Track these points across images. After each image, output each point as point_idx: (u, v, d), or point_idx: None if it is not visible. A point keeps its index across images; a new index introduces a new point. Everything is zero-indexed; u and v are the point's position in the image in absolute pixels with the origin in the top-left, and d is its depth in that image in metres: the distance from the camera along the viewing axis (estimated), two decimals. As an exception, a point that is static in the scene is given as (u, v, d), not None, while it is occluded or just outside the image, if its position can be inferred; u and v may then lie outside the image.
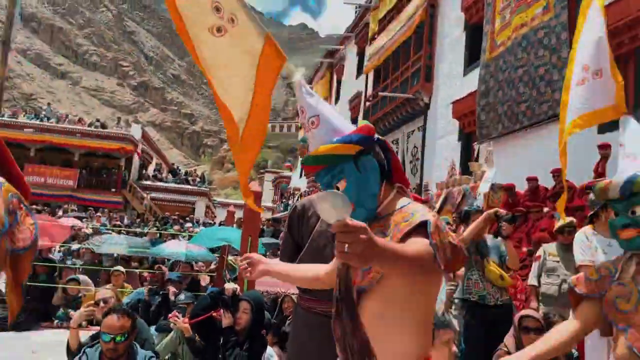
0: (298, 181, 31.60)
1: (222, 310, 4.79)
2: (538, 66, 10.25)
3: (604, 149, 7.94)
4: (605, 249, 3.82)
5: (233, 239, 8.07)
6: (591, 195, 4.27)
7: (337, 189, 1.57)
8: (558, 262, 4.84)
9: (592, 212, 4.11)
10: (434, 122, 15.58)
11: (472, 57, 13.96)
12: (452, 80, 14.82)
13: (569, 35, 9.26)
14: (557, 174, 8.41)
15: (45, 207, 22.25)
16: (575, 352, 4.10)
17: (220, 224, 19.35)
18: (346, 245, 0.99)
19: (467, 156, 13.49)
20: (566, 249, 4.71)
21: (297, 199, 21.31)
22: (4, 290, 5.50)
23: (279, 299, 5.93)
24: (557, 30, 9.76)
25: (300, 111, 1.85)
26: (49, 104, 45.07)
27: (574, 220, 5.05)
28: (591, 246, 3.93)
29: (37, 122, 33.13)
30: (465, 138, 14.02)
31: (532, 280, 5.07)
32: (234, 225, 12.42)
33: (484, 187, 9.06)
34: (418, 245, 1.30)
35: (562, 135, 4.10)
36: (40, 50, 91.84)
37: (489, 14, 12.38)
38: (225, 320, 4.63)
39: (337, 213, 1.01)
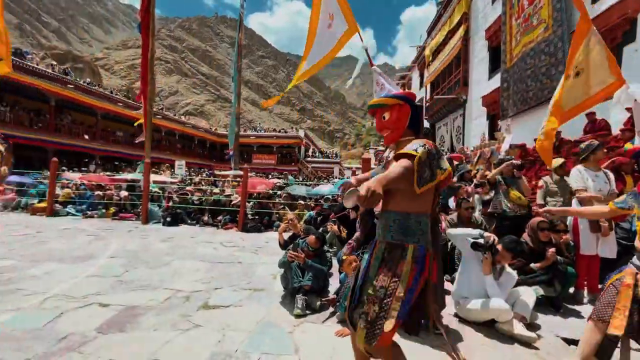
0: (388, 152, 31.43)
1: (349, 210, 4.97)
2: (541, 67, 8.93)
3: (590, 116, 6.72)
4: (593, 178, 3.34)
5: (356, 184, 8.09)
6: (582, 145, 3.59)
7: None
8: (557, 188, 4.15)
9: (583, 156, 3.48)
10: (470, 110, 14.19)
11: (493, 67, 12.36)
12: (480, 84, 13.23)
13: (563, 45, 8.09)
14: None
15: (262, 174, 24.14)
16: (571, 242, 3.54)
17: (347, 178, 19.52)
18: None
19: (492, 129, 12.07)
20: (561, 179, 4.01)
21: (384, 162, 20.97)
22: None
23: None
24: (555, 42, 8.47)
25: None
26: (259, 124, 48.49)
27: (565, 160, 4.25)
28: (583, 177, 3.37)
29: (256, 133, 35.86)
30: (491, 118, 12.56)
31: (539, 200, 4.40)
32: (355, 178, 12.41)
33: (504, 147, 8.10)
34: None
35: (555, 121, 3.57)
36: (253, 97, 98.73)
37: (505, 37, 10.84)
38: (352, 214, 4.79)
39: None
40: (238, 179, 10.75)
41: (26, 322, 2.43)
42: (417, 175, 1.33)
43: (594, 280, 3.39)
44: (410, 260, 1.38)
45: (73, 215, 8.48)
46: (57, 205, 8.65)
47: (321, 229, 6.02)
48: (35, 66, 19.70)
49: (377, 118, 1.60)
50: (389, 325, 1.32)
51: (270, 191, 9.07)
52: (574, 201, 3.52)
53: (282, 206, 8.55)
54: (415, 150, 1.36)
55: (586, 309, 3.12)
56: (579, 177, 3.41)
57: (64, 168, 13.22)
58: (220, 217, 7.81)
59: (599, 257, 3.32)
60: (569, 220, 3.51)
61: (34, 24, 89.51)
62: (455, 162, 7.86)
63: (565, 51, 7.98)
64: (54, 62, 30.20)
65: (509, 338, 2.48)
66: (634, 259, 1.63)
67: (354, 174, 14.54)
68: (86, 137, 20.82)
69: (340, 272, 2.97)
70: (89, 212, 8.49)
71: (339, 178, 25.41)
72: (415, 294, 1.39)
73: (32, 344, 2.13)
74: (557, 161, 4.10)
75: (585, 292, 3.41)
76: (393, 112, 1.54)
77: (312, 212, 7.57)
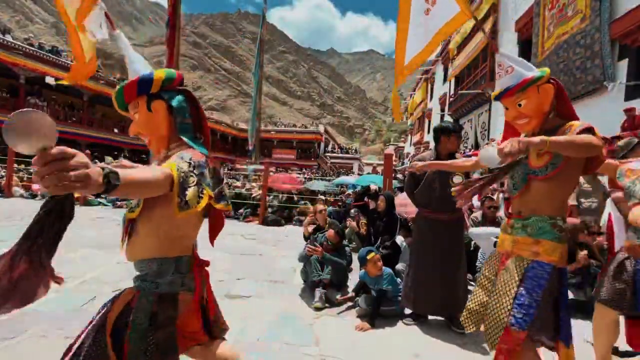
0: (408, 149, 31.34)
1: (369, 200, 4.88)
2: (575, 60, 8.36)
3: (629, 111, 6.27)
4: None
5: (377, 180, 7.98)
6: (620, 143, 3.38)
7: None
8: (591, 188, 3.88)
9: (621, 154, 3.28)
10: (497, 105, 13.66)
11: (523, 61, 11.83)
12: (509, 78, 12.68)
13: (600, 35, 7.55)
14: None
15: (282, 169, 24.33)
16: (605, 245, 3.39)
17: (367, 174, 19.33)
18: None
19: (520, 125, 11.58)
20: (593, 178, 3.77)
21: (409, 159, 20.62)
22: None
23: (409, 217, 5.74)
24: (592, 32, 7.89)
25: None
26: (279, 119, 48.84)
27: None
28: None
29: (276, 128, 36.15)
30: (519, 114, 12.03)
31: (572, 202, 4.09)
32: (378, 174, 12.23)
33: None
34: None
35: (405, 68, 2.63)
36: (273, 92, 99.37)
37: (537, 29, 10.30)
38: (371, 205, 4.69)
39: None
40: (258, 173, 10.92)
41: (66, 303, 2.61)
42: None
43: (628, 286, 3.23)
44: None
45: (104, 204, 8.93)
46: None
47: (343, 224, 6.05)
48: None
49: None
50: None
51: (297, 188, 9.13)
52: (609, 202, 3.35)
53: (303, 201, 8.62)
54: None
55: (618, 315, 2.98)
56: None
57: (96, 160, 13.91)
58: (241, 210, 7.99)
59: (634, 261, 3.16)
60: (603, 221, 3.35)
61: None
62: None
63: (603, 43, 7.52)
64: (87, 59, 31.64)
65: (534, 341, 2.41)
66: None
67: (374, 170, 14.42)
68: (115, 130, 21.78)
69: (360, 269, 2.99)
70: (119, 202, 8.91)
71: (359, 174, 25.32)
72: None
73: (71, 323, 2.28)
74: None
75: (618, 297, 3.25)
76: None
77: (331, 208, 7.60)
